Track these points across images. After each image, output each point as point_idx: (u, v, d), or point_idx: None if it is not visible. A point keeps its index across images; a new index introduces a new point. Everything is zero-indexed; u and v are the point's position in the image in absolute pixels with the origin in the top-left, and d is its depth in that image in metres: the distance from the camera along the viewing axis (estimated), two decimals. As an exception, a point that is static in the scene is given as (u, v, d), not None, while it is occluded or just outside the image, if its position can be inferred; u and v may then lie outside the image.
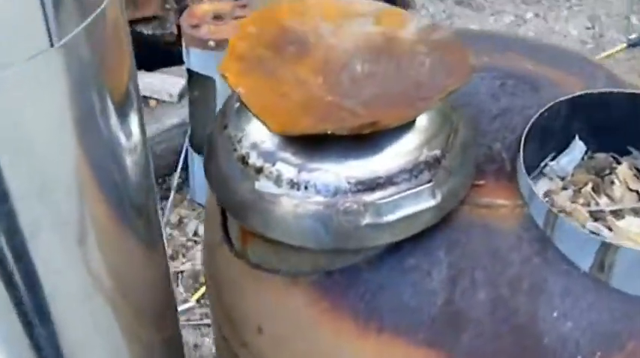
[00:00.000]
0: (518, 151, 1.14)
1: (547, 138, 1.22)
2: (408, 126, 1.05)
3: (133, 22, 3.15)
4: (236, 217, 1.13)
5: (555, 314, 1.07)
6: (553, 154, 1.27)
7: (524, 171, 1.13)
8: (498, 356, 1.07)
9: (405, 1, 4.03)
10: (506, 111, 1.28)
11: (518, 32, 4.56)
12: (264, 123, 0.97)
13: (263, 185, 1.03)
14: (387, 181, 1.02)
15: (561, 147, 1.27)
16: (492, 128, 1.25)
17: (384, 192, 1.01)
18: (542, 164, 1.26)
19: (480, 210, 1.13)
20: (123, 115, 0.99)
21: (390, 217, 1.02)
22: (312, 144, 1.03)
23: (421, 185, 1.03)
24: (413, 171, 1.03)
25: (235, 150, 1.07)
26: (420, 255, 1.10)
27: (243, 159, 1.06)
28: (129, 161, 1.04)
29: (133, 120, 1.03)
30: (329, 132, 0.95)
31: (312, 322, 1.12)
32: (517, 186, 1.17)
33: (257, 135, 1.06)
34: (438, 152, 1.06)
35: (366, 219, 1.01)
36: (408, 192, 1.03)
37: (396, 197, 1.02)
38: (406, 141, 1.05)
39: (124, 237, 1.10)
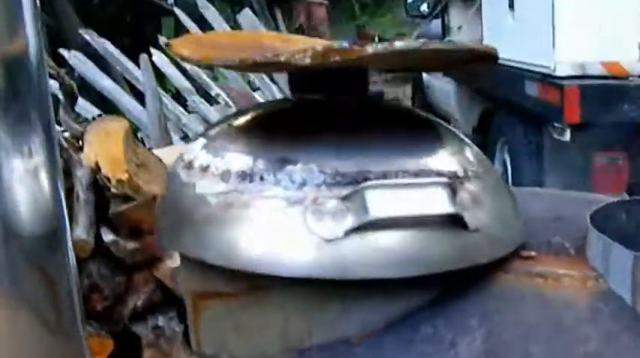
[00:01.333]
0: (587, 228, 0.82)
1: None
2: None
3: None
4: (172, 246, 0.86)
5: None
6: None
7: (596, 233, 0.80)
8: None
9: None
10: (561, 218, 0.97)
11: None
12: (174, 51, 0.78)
13: (206, 185, 0.75)
14: (381, 176, 0.72)
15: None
16: (550, 227, 0.94)
17: (376, 182, 0.71)
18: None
19: (533, 279, 0.78)
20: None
21: (388, 215, 0.70)
22: (284, 138, 0.77)
23: (434, 182, 0.73)
24: (420, 184, 0.73)
25: (183, 164, 0.81)
26: (441, 324, 0.74)
27: (190, 165, 0.79)
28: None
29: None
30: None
31: None
32: (584, 259, 0.82)
33: (210, 143, 0.80)
34: (458, 169, 0.77)
35: (350, 220, 0.69)
36: (414, 180, 0.72)
37: (395, 181, 0.71)
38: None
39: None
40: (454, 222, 0.73)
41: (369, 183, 0.70)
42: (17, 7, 0.74)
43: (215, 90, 4.14)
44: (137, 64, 3.84)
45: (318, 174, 0.72)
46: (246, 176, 0.74)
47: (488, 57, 0.79)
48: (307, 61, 0.67)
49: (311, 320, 0.76)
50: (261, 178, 0.73)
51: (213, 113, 3.92)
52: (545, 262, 0.81)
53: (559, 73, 3.61)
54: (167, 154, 2.14)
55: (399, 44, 0.68)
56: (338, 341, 0.75)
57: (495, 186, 0.82)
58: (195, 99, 4.01)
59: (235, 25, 4.97)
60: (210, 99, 4.18)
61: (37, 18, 0.80)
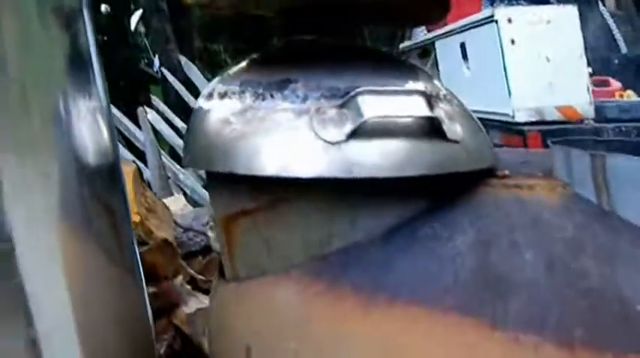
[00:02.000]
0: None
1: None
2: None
3: None
4: (203, 165, 0.92)
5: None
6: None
7: (558, 146, 0.91)
8: (566, 325, 0.71)
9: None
10: (528, 162, 1.08)
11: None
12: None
13: (226, 107, 0.85)
14: (370, 91, 0.81)
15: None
16: (519, 165, 1.03)
17: (366, 89, 0.81)
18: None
19: (510, 189, 0.87)
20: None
21: (379, 115, 0.79)
22: (284, 66, 0.87)
23: (415, 91, 0.83)
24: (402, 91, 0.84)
25: (204, 97, 0.93)
26: (438, 225, 0.82)
27: (210, 95, 0.90)
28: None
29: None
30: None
31: (302, 312, 0.84)
32: (552, 177, 0.92)
33: (224, 78, 0.93)
34: (433, 90, 0.87)
35: (349, 125, 0.78)
36: (399, 89, 0.82)
37: (383, 89, 0.81)
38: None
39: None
40: (435, 132, 0.82)
41: (360, 89, 0.80)
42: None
43: None
44: (133, 123, 3.90)
45: (317, 90, 0.82)
46: (258, 95, 0.84)
47: None
48: None
49: (328, 228, 0.85)
50: (271, 96, 0.83)
51: None
52: (519, 179, 0.91)
53: (519, 119, 3.78)
54: (170, 204, 2.17)
55: None
56: (352, 245, 0.84)
57: (464, 111, 0.92)
58: None
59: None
60: None
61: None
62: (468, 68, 4.37)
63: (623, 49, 6.02)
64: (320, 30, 0.93)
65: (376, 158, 0.80)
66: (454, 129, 0.84)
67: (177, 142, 4.27)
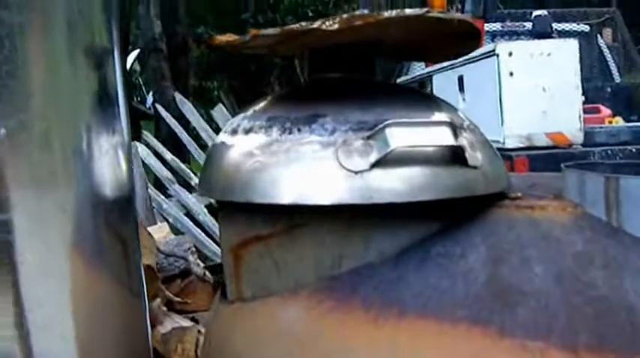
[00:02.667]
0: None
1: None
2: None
3: None
4: (219, 195, 0.95)
5: (651, 286, 0.81)
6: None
7: (571, 168, 0.98)
8: (572, 331, 0.77)
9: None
10: (536, 184, 1.15)
11: None
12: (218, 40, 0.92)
13: (251, 140, 0.89)
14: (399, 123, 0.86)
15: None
16: (528, 189, 1.10)
17: (394, 121, 0.85)
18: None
19: (522, 210, 0.93)
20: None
21: (406, 145, 0.84)
22: (311, 102, 0.92)
23: (442, 122, 0.89)
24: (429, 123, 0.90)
25: (227, 133, 0.96)
26: (450, 244, 0.88)
27: (234, 131, 0.94)
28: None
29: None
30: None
31: (311, 328, 0.86)
32: (562, 198, 0.98)
33: (249, 114, 0.97)
34: (457, 121, 0.93)
35: (374, 154, 0.84)
36: (426, 120, 0.88)
37: (410, 120, 0.86)
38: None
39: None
40: (457, 159, 0.88)
41: (388, 122, 0.84)
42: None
43: (195, 179, 4.32)
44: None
45: (345, 124, 0.87)
46: (285, 129, 0.88)
47: (473, 29, 0.96)
48: (336, 26, 0.83)
49: (341, 249, 0.89)
50: (299, 130, 0.88)
51: (192, 199, 4.08)
52: (531, 200, 0.97)
53: (508, 145, 3.88)
54: (154, 232, 2.26)
55: (408, 10, 0.85)
56: (364, 265, 0.88)
57: (484, 139, 0.98)
58: (175, 188, 4.17)
59: (208, 120, 5.23)
60: (190, 188, 4.35)
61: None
62: (464, 99, 4.46)
63: (617, 79, 6.25)
64: (344, 67, 0.98)
65: (396, 184, 0.84)
66: (475, 156, 0.90)
67: (164, 174, 4.37)
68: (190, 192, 4.31)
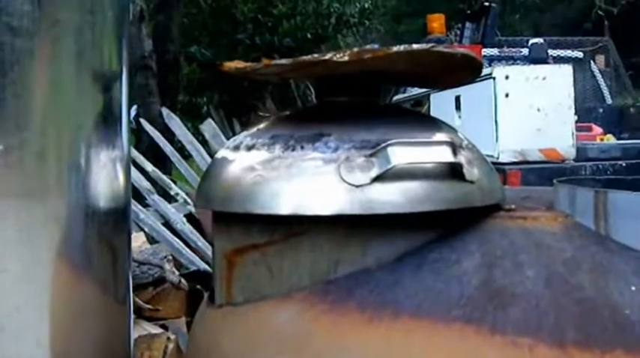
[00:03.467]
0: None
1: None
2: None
3: None
4: (219, 205, 0.98)
5: (634, 288, 0.88)
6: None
7: (563, 183, 1.05)
8: (559, 328, 0.84)
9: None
10: (529, 197, 1.21)
11: None
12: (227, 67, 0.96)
13: (253, 156, 0.94)
14: (401, 143, 0.92)
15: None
16: (521, 201, 1.17)
17: (396, 140, 0.90)
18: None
19: (516, 220, 1.00)
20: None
21: (406, 162, 0.89)
22: (316, 122, 0.97)
23: (441, 141, 0.94)
24: (431, 142, 0.96)
25: (229, 149, 1.01)
26: (446, 250, 0.94)
27: (236, 148, 0.98)
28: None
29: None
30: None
31: (303, 328, 0.89)
32: (554, 209, 1.05)
33: (253, 132, 1.01)
34: (456, 140, 0.99)
35: (375, 170, 0.89)
36: (426, 140, 0.93)
37: (411, 140, 0.91)
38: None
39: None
40: (455, 174, 0.94)
41: (390, 141, 0.90)
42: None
43: (174, 189, 4.40)
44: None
45: (349, 142, 0.92)
46: (288, 147, 0.93)
47: (475, 62, 1.02)
48: (346, 58, 0.89)
49: (338, 255, 0.92)
50: (302, 147, 0.92)
51: (171, 210, 4.16)
52: (524, 211, 1.04)
53: (502, 159, 3.98)
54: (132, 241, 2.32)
55: (415, 45, 0.92)
56: (360, 270, 0.92)
57: (481, 157, 1.04)
58: (154, 198, 4.24)
59: (196, 134, 5.29)
60: (170, 198, 4.42)
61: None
62: (460, 117, 4.56)
63: (608, 100, 6.51)
64: (351, 92, 1.03)
65: (396, 196, 0.89)
66: (472, 171, 0.96)
67: (143, 185, 4.44)
68: (170, 202, 4.37)
